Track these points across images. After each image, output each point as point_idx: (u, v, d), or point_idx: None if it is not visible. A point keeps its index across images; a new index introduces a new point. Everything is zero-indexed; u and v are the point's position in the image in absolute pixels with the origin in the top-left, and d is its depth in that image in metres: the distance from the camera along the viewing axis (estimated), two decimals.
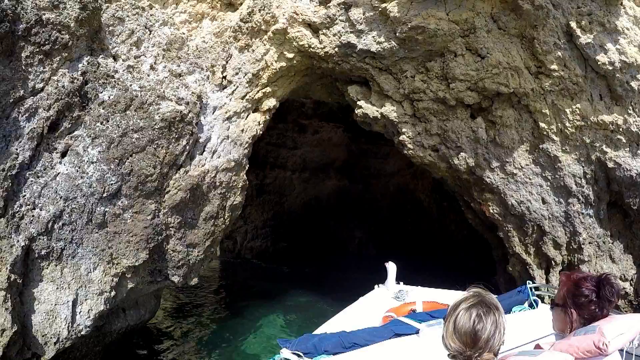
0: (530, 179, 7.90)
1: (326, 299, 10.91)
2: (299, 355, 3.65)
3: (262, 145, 18.27)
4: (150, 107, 6.45)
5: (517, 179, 7.95)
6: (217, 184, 7.51)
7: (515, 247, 8.37)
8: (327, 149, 18.89)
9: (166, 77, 6.76)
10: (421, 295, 4.98)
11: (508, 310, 4.24)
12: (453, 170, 8.51)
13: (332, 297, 10.15)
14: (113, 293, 6.17)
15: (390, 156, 19.98)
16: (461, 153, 8.19)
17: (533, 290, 4.48)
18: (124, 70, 6.38)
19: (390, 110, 8.35)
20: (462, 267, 12.57)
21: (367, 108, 8.63)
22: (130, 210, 6.31)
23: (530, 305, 4.43)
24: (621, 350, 2.38)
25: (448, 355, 1.80)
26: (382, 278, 5.68)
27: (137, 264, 6.29)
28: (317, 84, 10.42)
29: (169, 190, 6.76)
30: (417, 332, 3.84)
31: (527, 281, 4.58)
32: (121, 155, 6.20)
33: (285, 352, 3.71)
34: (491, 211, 8.40)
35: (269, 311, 10.03)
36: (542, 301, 4.61)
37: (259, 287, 12.31)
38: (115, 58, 6.39)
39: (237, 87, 7.82)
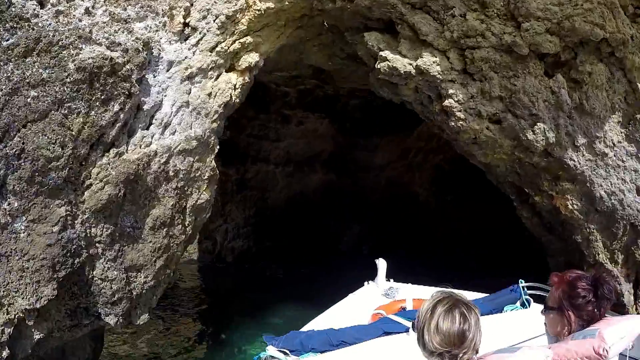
0: (623, 161, 6.11)
1: (317, 307, 9.68)
2: (285, 353, 3.56)
3: (243, 137, 16.99)
4: (64, 52, 4.24)
5: (607, 162, 6.05)
6: (171, 173, 5.36)
7: (598, 254, 6.51)
8: (313, 141, 17.70)
9: (105, 23, 4.69)
10: (411, 293, 4.89)
11: (500, 310, 4.25)
12: (521, 149, 6.34)
13: (324, 304, 8.94)
14: (6, 352, 4.06)
15: (379, 149, 18.91)
16: (538, 124, 6.00)
17: (526, 289, 4.37)
18: (49, 15, 4.31)
19: (430, 62, 6.06)
20: (464, 266, 11.59)
21: (394, 60, 6.32)
22: (23, 219, 4.12)
23: (523, 305, 4.34)
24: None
25: (431, 354, 1.78)
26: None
27: (39, 305, 4.16)
28: (315, 43, 8.57)
29: (91, 184, 4.61)
30: (406, 330, 3.76)
31: (520, 280, 4.45)
32: (6, 125, 3.96)
33: (271, 350, 3.61)
34: (569, 207, 6.41)
35: (253, 328, 8.80)
36: (535, 301, 4.50)
37: (242, 295, 11.09)
38: (42, 4, 4.37)
39: (204, 34, 5.65)
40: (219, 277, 13.37)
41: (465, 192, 11.79)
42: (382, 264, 5.40)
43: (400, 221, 15.62)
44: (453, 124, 6.33)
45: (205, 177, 6.14)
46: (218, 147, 6.87)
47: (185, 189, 5.68)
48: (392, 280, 5.39)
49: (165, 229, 5.38)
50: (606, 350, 2.07)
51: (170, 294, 10.72)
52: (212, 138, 6.27)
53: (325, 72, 18.76)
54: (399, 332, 3.77)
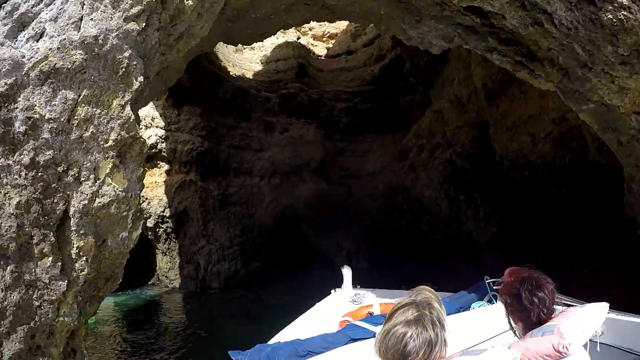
0: None
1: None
2: None
3: (223, 148, 15.46)
4: None
5: None
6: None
7: None
8: (299, 149, 16.26)
9: None
10: (378, 298, 4.87)
11: (467, 307, 4.18)
12: None
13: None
14: None
15: (370, 153, 17.61)
16: None
17: (491, 285, 4.20)
18: None
19: None
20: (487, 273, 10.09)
21: None
22: None
23: (490, 301, 4.23)
24: None
25: None
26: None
27: None
28: None
29: None
30: (373, 335, 3.41)
31: (485, 276, 4.30)
32: None
33: None
34: None
35: None
36: None
37: (229, 327, 9.39)
38: None
39: None
40: (205, 307, 11.66)
41: (483, 189, 10.47)
42: (347, 272, 5.41)
43: (402, 230, 14.20)
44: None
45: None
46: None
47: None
48: (358, 286, 5.38)
49: None
50: (566, 348, 1.95)
51: (151, 331, 9.03)
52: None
53: (308, 75, 17.50)
54: (366, 338, 3.62)
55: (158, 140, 13.48)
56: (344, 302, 4.99)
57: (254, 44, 17.21)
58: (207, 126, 14.79)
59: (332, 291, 5.40)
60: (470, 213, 11.19)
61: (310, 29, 17.67)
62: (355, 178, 16.24)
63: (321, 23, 18.34)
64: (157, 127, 13.54)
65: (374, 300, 4.75)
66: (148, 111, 13.26)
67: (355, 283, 5.51)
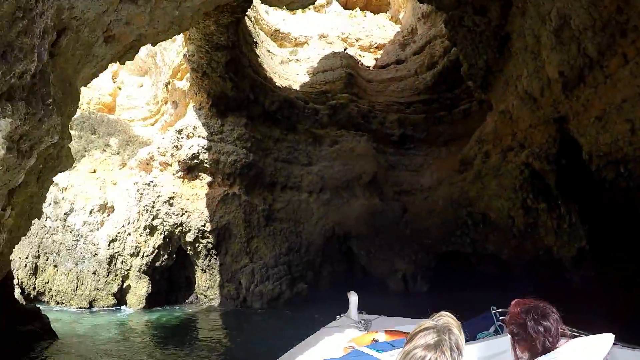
0: None
1: None
2: None
3: (269, 161, 14.66)
4: None
5: None
6: None
7: None
8: (350, 162, 15.21)
9: None
10: (384, 325, 4.70)
11: (473, 337, 3.92)
12: None
13: None
14: None
15: (425, 167, 16.26)
16: None
17: (498, 315, 3.95)
18: None
19: None
20: (575, 296, 8.45)
21: None
22: None
23: (496, 331, 3.99)
24: None
25: None
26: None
27: None
28: None
29: None
30: None
31: (492, 306, 4.02)
32: None
33: None
34: None
35: None
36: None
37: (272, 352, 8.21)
38: None
39: None
40: (246, 326, 10.56)
41: (569, 195, 8.87)
42: (353, 297, 5.19)
43: (465, 249, 12.64)
44: None
45: None
46: None
47: None
48: (364, 312, 5.24)
49: None
50: None
51: (182, 348, 8.06)
52: None
53: (358, 86, 16.60)
54: None
55: (200, 151, 12.87)
56: (349, 327, 4.99)
57: (300, 55, 16.59)
58: (252, 137, 14.10)
59: (337, 316, 5.32)
60: (550, 225, 9.58)
61: (357, 40, 16.89)
62: (410, 193, 14.92)
63: (368, 34, 17.53)
64: (199, 136, 12.97)
65: (380, 327, 4.74)
66: (190, 120, 12.73)
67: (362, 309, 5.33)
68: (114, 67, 16.44)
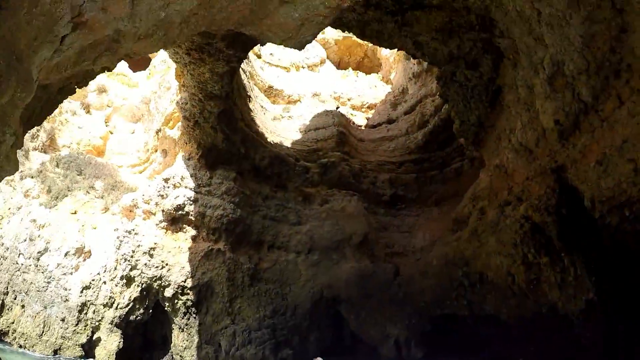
0: None
1: None
2: None
3: (257, 219, 14.11)
4: None
5: None
6: None
7: None
8: (341, 222, 14.69)
9: None
10: None
11: None
12: None
13: None
14: None
15: (417, 228, 15.78)
16: None
17: None
18: None
19: None
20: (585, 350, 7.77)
21: None
22: None
23: None
24: None
25: None
26: None
27: None
28: None
29: None
30: None
31: None
32: None
33: None
34: None
35: None
36: None
37: None
38: None
39: None
40: None
41: (572, 246, 8.40)
42: None
43: (462, 312, 11.85)
44: None
45: None
46: None
47: None
48: None
49: None
50: None
51: None
52: None
53: (349, 145, 16.52)
54: None
55: (186, 202, 12.36)
56: None
57: (293, 113, 16.67)
58: (240, 192, 13.67)
59: None
60: (554, 279, 9.01)
61: (349, 99, 17.15)
62: (402, 255, 14.32)
63: (360, 93, 17.85)
64: (186, 187, 12.53)
65: None
66: (178, 169, 12.34)
67: None
68: (107, 110, 16.36)
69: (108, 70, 7.10)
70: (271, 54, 17.57)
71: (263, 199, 14.50)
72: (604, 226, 7.94)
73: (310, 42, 7.82)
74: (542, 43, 8.95)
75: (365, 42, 19.37)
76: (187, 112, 12.57)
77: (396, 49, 14.22)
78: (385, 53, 18.61)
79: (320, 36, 18.50)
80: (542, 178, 9.87)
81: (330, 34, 18.25)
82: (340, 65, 19.55)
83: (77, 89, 7.09)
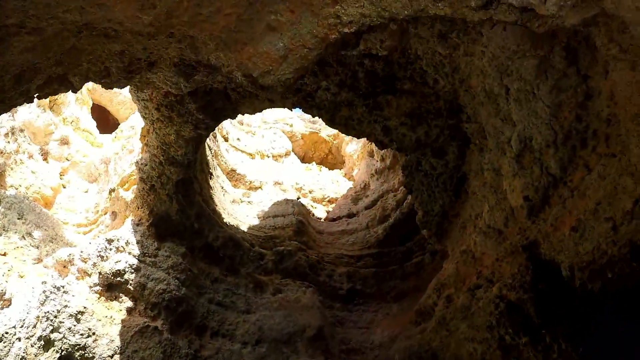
0: None
1: None
2: None
3: (203, 302, 12.73)
4: None
5: None
6: None
7: None
8: (294, 314, 13.55)
9: None
10: None
11: None
12: None
13: None
14: None
15: (375, 324, 14.72)
16: None
17: None
18: None
19: None
20: None
21: None
22: None
23: None
24: None
25: None
26: None
27: None
28: None
29: None
30: None
31: None
32: None
33: None
34: None
35: None
36: None
37: None
38: None
39: None
40: None
41: (554, 321, 7.88)
42: None
43: None
44: None
45: None
46: None
47: None
48: None
49: None
50: None
51: None
52: None
53: (308, 235, 15.95)
54: None
55: (127, 269, 11.03)
56: None
57: (253, 198, 16.23)
58: (188, 270, 12.50)
59: None
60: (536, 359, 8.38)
61: (310, 191, 17.06)
62: (359, 352, 13.16)
63: (322, 187, 17.86)
64: (130, 253, 11.28)
65: None
66: (124, 233, 11.21)
67: None
68: (65, 163, 15.17)
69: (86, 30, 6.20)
70: (238, 138, 17.67)
71: (212, 281, 13.29)
72: (586, 294, 7.65)
73: (288, 82, 7.69)
74: (509, 122, 9.48)
75: (330, 139, 20.26)
76: (145, 175, 11.87)
77: (364, 139, 14.72)
78: (349, 150, 19.23)
79: (287, 129, 19.13)
80: (513, 257, 9.70)
81: (298, 127, 18.89)
82: (304, 159, 19.92)
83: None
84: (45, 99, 7.53)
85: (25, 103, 6.77)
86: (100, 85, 7.65)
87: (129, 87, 10.65)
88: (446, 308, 11.07)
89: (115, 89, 18.34)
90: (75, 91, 7.53)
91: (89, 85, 16.67)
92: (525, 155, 9.26)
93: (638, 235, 6.85)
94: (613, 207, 7.27)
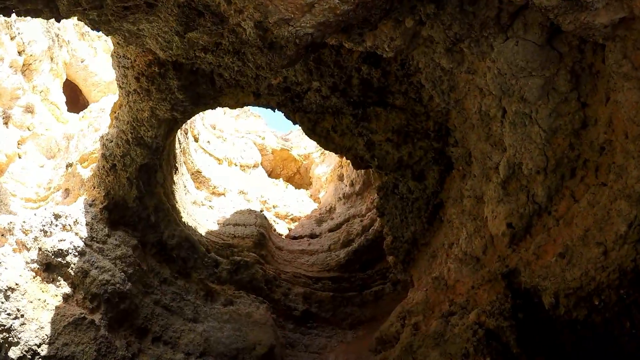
0: None
1: None
2: None
3: (148, 302, 11.58)
4: None
5: None
6: None
7: None
8: (244, 329, 12.62)
9: None
10: None
11: None
12: None
13: None
14: None
15: (327, 350, 13.89)
16: None
17: None
18: None
19: None
20: None
21: None
22: None
23: None
24: None
25: None
26: None
27: None
28: None
29: None
30: None
31: None
32: None
33: None
34: None
35: None
36: None
37: None
38: None
39: None
40: None
41: (536, 349, 7.53)
42: None
43: None
44: None
45: None
46: None
47: None
48: None
49: None
50: None
51: None
52: None
53: (267, 249, 15.13)
54: None
55: (71, 250, 9.88)
56: None
57: (215, 203, 15.40)
58: (137, 264, 11.44)
59: None
60: None
61: (274, 206, 16.43)
62: None
63: (286, 203, 17.25)
64: (76, 234, 10.15)
65: None
66: (74, 211, 10.11)
67: None
68: (25, 132, 13.61)
69: None
70: (208, 141, 16.94)
71: (160, 281, 12.22)
72: (569, 322, 7.45)
73: (305, 40, 6.88)
74: (499, 147, 9.44)
75: (300, 159, 19.82)
76: (108, 151, 10.92)
77: (335, 162, 14.42)
78: (318, 172, 18.88)
79: (259, 141, 18.59)
80: (491, 285, 9.43)
81: (270, 142, 18.46)
82: (271, 174, 19.35)
83: None
84: (23, 16, 6.67)
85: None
86: (87, 23, 6.92)
87: (111, 51, 9.91)
88: (413, 335, 10.57)
89: (91, 69, 17.30)
90: (58, 20, 6.75)
91: (66, 57, 15.63)
92: (512, 181, 9.21)
93: (628, 261, 6.77)
94: (604, 233, 7.19)
